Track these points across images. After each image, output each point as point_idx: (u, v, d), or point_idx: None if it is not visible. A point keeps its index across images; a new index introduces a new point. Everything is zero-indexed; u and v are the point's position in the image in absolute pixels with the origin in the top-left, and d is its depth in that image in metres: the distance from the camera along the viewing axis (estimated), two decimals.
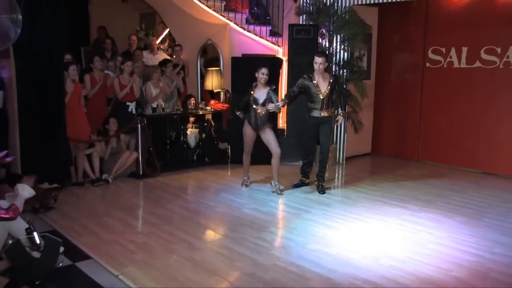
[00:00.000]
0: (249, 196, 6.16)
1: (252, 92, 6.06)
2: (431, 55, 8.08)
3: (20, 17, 4.62)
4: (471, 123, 7.68)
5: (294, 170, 7.02)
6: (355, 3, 7.71)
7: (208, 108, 8.06)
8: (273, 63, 7.57)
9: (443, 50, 7.89)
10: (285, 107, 6.88)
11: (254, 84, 6.10)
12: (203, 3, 8.61)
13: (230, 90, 8.26)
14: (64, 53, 6.37)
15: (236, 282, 3.84)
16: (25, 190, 3.84)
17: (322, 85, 6.09)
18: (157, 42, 9.52)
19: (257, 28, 8.91)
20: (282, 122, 8.58)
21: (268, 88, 6.06)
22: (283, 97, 6.31)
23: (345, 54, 7.89)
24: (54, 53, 5.86)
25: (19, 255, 3.48)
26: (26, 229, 3.64)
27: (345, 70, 7.90)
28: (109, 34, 9.26)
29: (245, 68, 7.16)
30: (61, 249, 3.83)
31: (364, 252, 4.38)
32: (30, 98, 5.70)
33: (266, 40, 8.95)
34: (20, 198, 3.79)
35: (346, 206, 5.76)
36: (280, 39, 9.01)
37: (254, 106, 6.06)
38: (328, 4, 7.80)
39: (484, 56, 7.40)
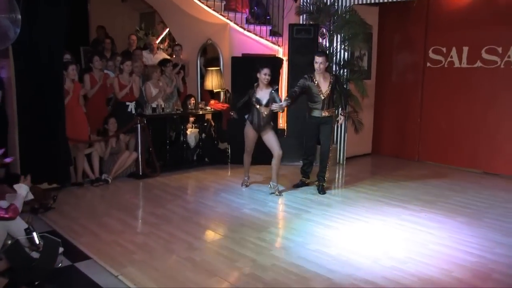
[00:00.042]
0: (249, 196, 6.15)
1: (254, 93, 6.04)
2: (431, 55, 8.06)
3: (20, 16, 4.60)
4: (472, 123, 7.66)
5: (294, 170, 7.00)
6: (356, 2, 7.69)
7: (208, 108, 8.04)
8: (273, 63, 7.54)
9: (444, 49, 7.88)
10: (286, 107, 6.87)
11: (255, 84, 6.08)
12: (203, 3, 8.60)
13: (230, 90, 8.24)
14: (64, 53, 6.36)
15: (236, 282, 3.82)
16: (23, 189, 3.83)
17: (323, 85, 6.07)
18: (157, 41, 9.50)
19: (257, 27, 8.90)
20: (282, 122, 8.56)
21: (270, 89, 6.04)
22: (285, 97, 6.29)
23: (346, 53, 7.87)
24: (53, 53, 5.84)
25: (18, 256, 3.47)
26: (26, 229, 3.63)
27: (345, 70, 7.88)
28: (108, 34, 9.25)
29: (245, 68, 7.15)
30: (61, 249, 3.82)
31: (365, 253, 4.37)
32: (30, 98, 5.69)
33: (266, 40, 8.93)
34: (19, 198, 3.78)
35: (346, 206, 5.74)
36: (280, 39, 8.99)
37: (257, 107, 6.04)
38: (328, 3, 7.78)
39: (485, 55, 7.38)
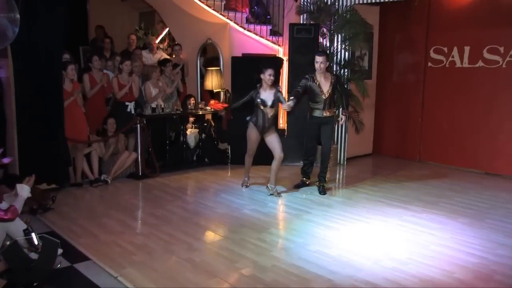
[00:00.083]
0: (249, 197, 6.12)
1: (258, 94, 5.98)
2: (433, 55, 8.03)
3: (18, 16, 4.57)
4: (473, 123, 7.63)
5: (294, 171, 6.98)
6: (356, 2, 7.67)
7: (208, 108, 8.01)
8: (273, 63, 7.51)
9: (445, 49, 7.85)
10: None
11: (258, 85, 6.03)
12: (203, 2, 8.58)
13: (230, 90, 8.22)
14: (63, 53, 6.33)
15: (236, 283, 3.79)
16: (25, 191, 3.81)
17: (324, 85, 6.05)
18: (157, 41, 9.49)
19: (257, 27, 8.87)
20: (282, 122, 8.53)
21: (274, 89, 6.00)
22: (290, 97, 6.24)
23: (346, 53, 7.85)
24: (52, 53, 5.81)
25: (17, 256, 3.46)
26: (24, 230, 3.62)
27: (346, 70, 7.85)
28: (107, 33, 9.22)
29: (245, 67, 7.13)
30: (60, 250, 3.81)
31: (365, 254, 4.34)
32: (28, 98, 5.66)
33: (267, 39, 8.90)
34: (19, 199, 3.76)
35: (347, 207, 5.72)
36: (280, 39, 8.96)
37: (262, 108, 5.99)
38: (329, 3, 7.76)
39: (486, 55, 7.35)
